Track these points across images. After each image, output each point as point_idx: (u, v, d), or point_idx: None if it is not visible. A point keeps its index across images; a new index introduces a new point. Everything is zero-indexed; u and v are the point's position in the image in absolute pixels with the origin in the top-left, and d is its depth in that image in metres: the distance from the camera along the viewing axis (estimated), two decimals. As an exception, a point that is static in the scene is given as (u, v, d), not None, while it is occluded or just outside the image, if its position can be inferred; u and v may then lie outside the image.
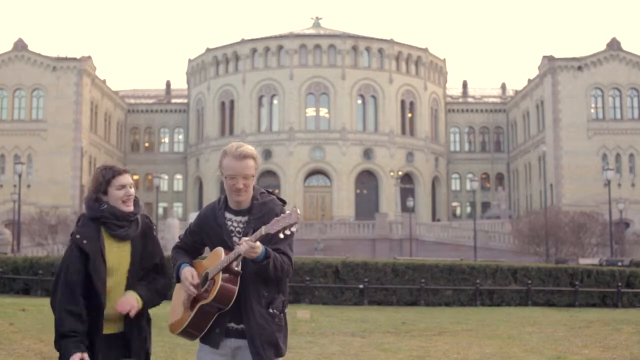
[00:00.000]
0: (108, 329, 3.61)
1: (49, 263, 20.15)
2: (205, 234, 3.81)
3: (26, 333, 11.12)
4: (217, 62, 64.67)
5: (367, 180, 60.90)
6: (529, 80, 64.06)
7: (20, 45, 58.61)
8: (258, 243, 3.40)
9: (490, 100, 72.58)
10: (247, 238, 3.42)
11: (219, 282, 3.49)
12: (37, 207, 48.09)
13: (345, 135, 59.93)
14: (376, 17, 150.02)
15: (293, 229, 3.40)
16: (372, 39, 62.87)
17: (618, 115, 57.12)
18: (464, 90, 74.80)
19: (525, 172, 64.32)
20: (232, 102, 63.25)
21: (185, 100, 70.88)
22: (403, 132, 62.64)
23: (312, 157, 59.93)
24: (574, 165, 55.21)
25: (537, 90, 61.37)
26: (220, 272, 3.50)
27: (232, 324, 3.60)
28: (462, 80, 75.27)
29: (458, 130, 70.51)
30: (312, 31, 66.31)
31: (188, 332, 3.66)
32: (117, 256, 3.65)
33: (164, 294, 3.82)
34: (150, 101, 73.20)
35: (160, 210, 62.72)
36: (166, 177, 67.49)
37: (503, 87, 75.98)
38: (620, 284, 19.56)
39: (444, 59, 68.62)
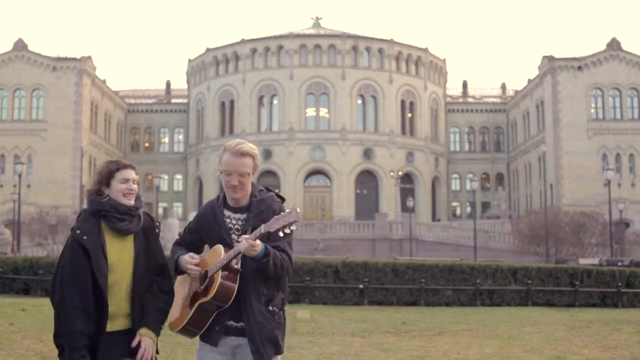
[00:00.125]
0: (110, 326, 3.56)
1: (49, 263, 20.14)
2: (204, 231, 3.80)
3: (26, 333, 11.11)
4: (217, 62, 64.68)
5: (367, 180, 60.90)
6: (529, 80, 64.06)
7: (20, 45, 58.62)
8: (258, 241, 3.40)
9: (490, 100, 72.59)
10: (246, 236, 3.42)
11: (219, 280, 3.48)
12: (37, 207, 48.09)
13: (345, 135, 59.94)
14: (376, 17, 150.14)
15: (293, 227, 3.40)
16: (372, 39, 62.88)
17: (618, 115, 57.12)
18: (464, 90, 74.81)
19: (525, 172, 64.32)
20: (232, 102, 63.26)
21: (185, 100, 70.90)
22: (403, 132, 62.64)
23: (312, 157, 59.94)
24: (574, 165, 55.21)
25: (537, 90, 61.38)
26: (220, 270, 3.50)
27: (232, 322, 3.59)
28: (462, 80, 75.38)
29: (458, 130, 70.52)
30: (312, 31, 66.32)
31: (187, 330, 3.65)
32: (119, 252, 3.61)
33: (170, 302, 3.78)
34: (150, 101, 73.22)
35: (160, 210, 62.78)
36: (166, 177, 67.53)
37: (503, 87, 75.98)
38: (620, 284, 19.55)
39: (444, 59, 68.65)
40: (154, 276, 3.72)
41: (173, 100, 73.38)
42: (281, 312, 3.64)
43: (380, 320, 14.47)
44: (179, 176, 69.55)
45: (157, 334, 3.64)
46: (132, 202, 3.65)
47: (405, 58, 63.30)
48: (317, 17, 70.24)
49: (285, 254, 3.57)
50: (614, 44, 57.46)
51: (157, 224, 3.83)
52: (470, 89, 75.41)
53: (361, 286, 18.38)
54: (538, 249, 40.55)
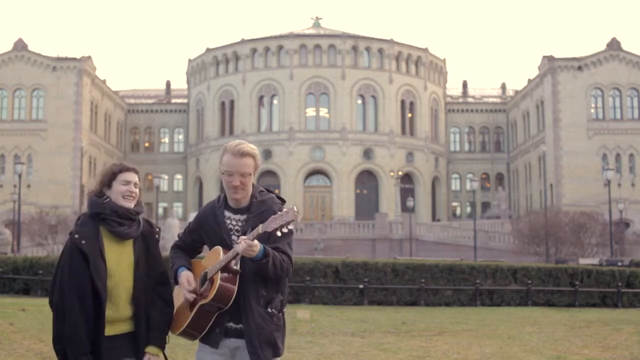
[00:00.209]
0: (111, 330, 3.55)
1: (49, 263, 20.13)
2: (204, 232, 3.80)
3: (26, 333, 11.12)
4: (217, 62, 64.68)
5: (367, 180, 60.90)
6: (529, 80, 64.06)
7: (20, 45, 58.62)
8: (256, 241, 3.39)
9: (490, 100, 72.59)
10: (245, 237, 3.42)
11: (218, 281, 3.48)
12: (37, 207, 48.09)
13: (345, 135, 59.94)
14: (376, 17, 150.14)
15: (290, 226, 3.39)
16: (372, 39, 62.88)
17: (618, 115, 57.12)
18: (464, 90, 74.81)
19: (525, 172, 64.32)
20: (232, 102, 63.25)
21: (185, 100, 70.90)
22: (403, 132, 62.64)
23: (312, 157, 59.94)
24: (574, 165, 55.21)
25: (537, 90, 61.38)
26: (219, 272, 3.49)
27: (231, 324, 3.58)
28: (462, 80, 75.40)
29: (458, 130, 70.52)
30: (312, 31, 66.32)
31: (188, 333, 3.65)
32: (117, 256, 3.60)
33: (172, 312, 3.77)
34: (150, 101, 73.22)
35: (160, 210, 62.75)
36: (166, 177, 67.53)
37: (503, 87, 75.99)
38: (620, 284, 19.55)
39: (444, 59, 68.65)
40: (155, 285, 3.71)
41: (173, 100, 73.39)
42: (280, 314, 3.63)
43: (380, 320, 14.46)
44: (179, 176, 69.57)
45: (163, 348, 3.66)
46: (131, 205, 3.65)
47: (405, 58, 63.30)
48: (317, 17, 70.34)
49: (285, 255, 3.57)
50: (614, 44, 57.46)
51: (157, 230, 3.83)
52: (470, 89, 75.42)
53: (361, 286, 18.38)
54: (538, 249, 40.55)
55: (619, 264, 27.89)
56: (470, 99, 72.79)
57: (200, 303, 3.55)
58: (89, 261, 3.49)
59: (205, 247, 3.91)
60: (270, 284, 3.59)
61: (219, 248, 3.60)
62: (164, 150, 71.25)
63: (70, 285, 3.49)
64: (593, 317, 15.78)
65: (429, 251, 42.30)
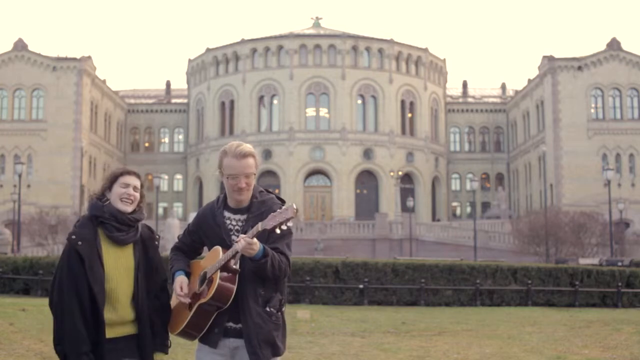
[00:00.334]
0: (113, 332, 3.55)
1: (49, 263, 20.14)
2: (203, 233, 3.80)
3: (26, 333, 11.12)
4: (217, 62, 64.68)
5: (367, 180, 60.90)
6: (529, 80, 64.06)
7: (20, 45, 58.62)
8: (255, 240, 3.39)
9: (490, 100, 72.58)
10: (244, 235, 3.42)
11: (217, 281, 3.48)
12: (37, 207, 48.07)
13: (345, 135, 59.94)
14: (376, 17, 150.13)
15: (289, 224, 3.40)
16: (372, 39, 62.87)
17: (618, 115, 57.12)
18: (464, 90, 74.81)
19: (525, 172, 64.32)
20: (232, 102, 63.25)
21: (185, 100, 70.90)
22: (403, 132, 62.64)
23: (312, 157, 59.93)
24: (574, 165, 55.21)
25: (537, 90, 61.37)
26: (219, 271, 3.49)
27: (231, 324, 3.59)
28: (462, 80, 75.39)
29: (458, 130, 70.52)
30: (312, 31, 66.32)
31: (187, 333, 3.65)
32: (116, 260, 3.60)
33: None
34: (150, 101, 73.22)
35: (160, 210, 62.73)
36: (166, 177, 67.53)
37: (503, 87, 75.98)
38: (620, 284, 19.55)
39: (444, 59, 68.64)
40: (156, 291, 3.72)
41: (173, 100, 73.39)
42: (279, 313, 3.63)
43: (380, 320, 14.46)
44: (179, 176, 69.56)
45: (167, 352, 3.73)
46: (128, 209, 3.64)
47: (405, 58, 63.30)
48: (317, 17, 70.33)
49: (283, 256, 3.58)
50: (614, 44, 57.46)
51: (157, 237, 3.83)
52: (470, 89, 75.42)
53: (361, 286, 18.38)
54: (538, 249, 40.54)
55: (619, 264, 27.89)
56: (470, 99, 72.79)
57: (199, 302, 3.54)
58: (85, 263, 3.49)
59: (205, 249, 3.91)
60: (268, 283, 3.60)
61: (218, 248, 3.60)
62: (164, 150, 71.25)
63: (69, 286, 3.49)
64: (593, 317, 15.78)
65: (429, 251, 42.30)
